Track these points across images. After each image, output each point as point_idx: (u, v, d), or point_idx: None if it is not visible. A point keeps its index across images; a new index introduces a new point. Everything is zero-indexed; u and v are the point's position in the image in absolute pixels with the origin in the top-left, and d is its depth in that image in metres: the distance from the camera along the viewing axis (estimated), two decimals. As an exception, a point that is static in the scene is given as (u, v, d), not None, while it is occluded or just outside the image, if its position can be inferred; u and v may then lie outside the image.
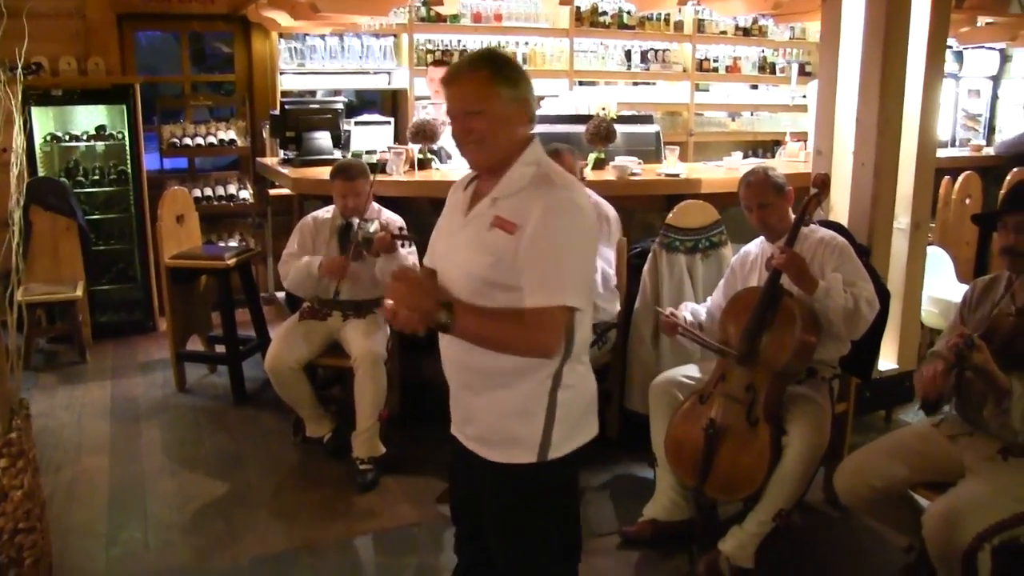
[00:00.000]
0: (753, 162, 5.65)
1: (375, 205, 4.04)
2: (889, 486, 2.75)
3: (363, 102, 7.99)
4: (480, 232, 1.94)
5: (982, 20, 7.14)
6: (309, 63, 6.56)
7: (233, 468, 4.00)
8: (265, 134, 6.11)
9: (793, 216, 3.20)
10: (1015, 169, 5.77)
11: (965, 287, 2.96)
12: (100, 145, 6.07)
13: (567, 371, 2.00)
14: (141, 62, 6.64)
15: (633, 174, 4.59)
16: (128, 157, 6.03)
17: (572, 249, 1.89)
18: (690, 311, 3.42)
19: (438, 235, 2.14)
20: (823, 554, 3.32)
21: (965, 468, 2.61)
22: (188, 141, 6.42)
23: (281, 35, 6.46)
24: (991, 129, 9.01)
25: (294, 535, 3.40)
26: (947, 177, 5.24)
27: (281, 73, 6.51)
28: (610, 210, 3.88)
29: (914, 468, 2.73)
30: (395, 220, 3.99)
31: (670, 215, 3.96)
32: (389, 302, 1.82)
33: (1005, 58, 9.00)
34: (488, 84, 1.90)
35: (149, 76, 6.81)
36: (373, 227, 3.78)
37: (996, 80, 9.08)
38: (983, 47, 8.51)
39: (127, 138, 5.99)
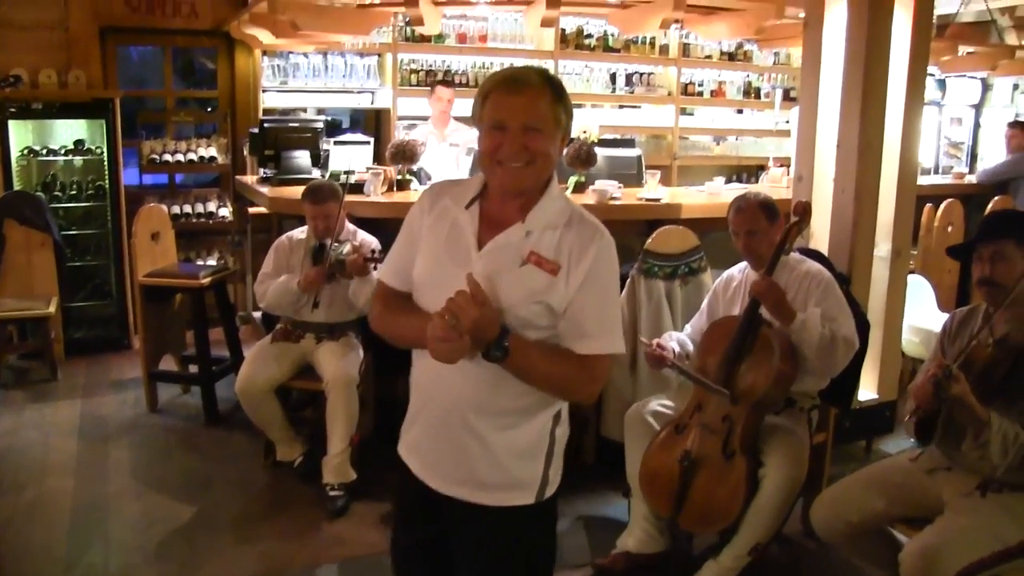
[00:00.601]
0: (735, 187, 5.64)
1: (350, 226, 4.00)
2: (866, 520, 2.71)
3: (354, 122, 7.97)
4: (508, 266, 1.79)
5: (963, 49, 7.19)
6: (292, 81, 6.52)
7: (201, 491, 3.91)
8: (245, 151, 6.06)
9: (775, 243, 3.17)
10: (997, 197, 5.79)
11: (946, 316, 2.93)
12: (78, 159, 6.00)
13: (563, 407, 1.93)
14: (129, 75, 6.59)
15: (613, 198, 4.56)
16: (106, 172, 5.96)
17: (617, 295, 1.87)
18: (677, 341, 3.35)
19: (434, 258, 1.87)
20: (800, 588, 3.27)
21: (944, 503, 2.57)
22: (168, 157, 6.35)
23: (265, 52, 6.42)
24: (973, 157, 9.07)
25: (260, 561, 3.32)
26: (929, 204, 5.24)
27: (264, 91, 6.46)
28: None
29: (892, 502, 2.69)
30: (370, 242, 3.95)
31: (649, 240, 3.92)
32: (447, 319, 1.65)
33: (986, 87, 9.09)
34: (553, 104, 1.79)
35: (131, 90, 6.74)
36: (346, 248, 3.74)
37: (978, 108, 9.16)
38: (965, 76, 8.58)
39: (106, 153, 5.92)
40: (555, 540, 2.04)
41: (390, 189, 4.75)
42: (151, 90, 7.78)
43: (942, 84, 8.76)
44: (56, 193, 5.91)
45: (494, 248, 1.80)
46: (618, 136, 6.32)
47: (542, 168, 1.80)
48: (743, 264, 3.35)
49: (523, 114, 1.76)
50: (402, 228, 1.97)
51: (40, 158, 5.87)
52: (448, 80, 6.23)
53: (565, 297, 1.77)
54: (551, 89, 1.79)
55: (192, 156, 6.41)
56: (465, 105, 6.54)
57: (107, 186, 5.96)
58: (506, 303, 1.76)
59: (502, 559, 1.93)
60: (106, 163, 5.94)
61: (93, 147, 5.95)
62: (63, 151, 5.92)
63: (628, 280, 3.93)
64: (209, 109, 7.51)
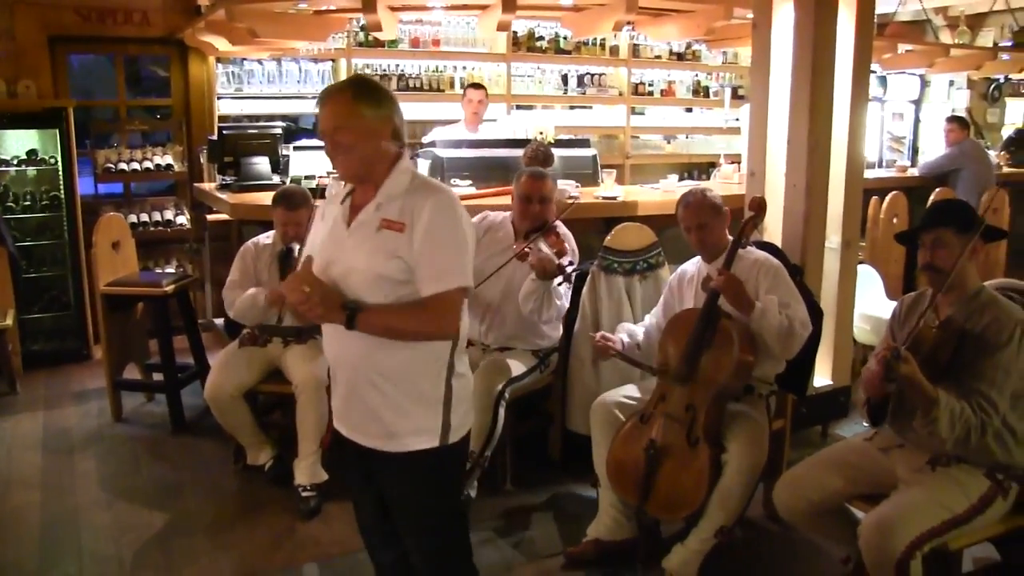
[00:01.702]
0: (689, 184, 5.77)
1: (315, 230, 4.03)
2: (826, 499, 2.83)
3: (308, 128, 7.96)
4: (369, 235, 2.12)
5: (902, 47, 7.43)
6: (247, 87, 6.53)
7: (172, 498, 3.92)
8: (203, 159, 6.04)
9: (730, 237, 3.28)
10: (938, 189, 6.01)
11: (894, 303, 3.07)
12: (31, 170, 5.93)
13: (457, 359, 2.20)
14: (73, 85, 6.51)
15: (571, 197, 4.65)
16: (61, 182, 5.90)
17: (460, 239, 2.11)
18: (627, 332, 3.47)
19: (315, 245, 2.28)
20: (765, 568, 3.39)
21: (897, 479, 2.70)
22: (124, 166, 6.31)
23: (218, 59, 6.40)
24: (915, 151, 9.35)
25: (237, 565, 3.34)
26: (875, 197, 5.42)
27: (219, 97, 6.45)
28: (574, 243, 3.91)
29: (849, 481, 2.81)
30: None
31: (608, 237, 4.01)
32: (296, 289, 2.05)
33: (925, 83, 9.39)
34: (350, 103, 2.10)
35: (83, 100, 6.67)
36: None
37: (918, 104, 9.46)
38: (905, 72, 8.85)
39: (60, 163, 5.86)
40: (460, 487, 2.41)
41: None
42: (103, 99, 7.72)
43: (883, 81, 9.03)
44: (9, 204, 5.83)
45: (357, 225, 2.17)
46: (572, 136, 6.43)
47: (359, 155, 2.12)
48: (696, 258, 3.46)
49: (327, 119, 2.13)
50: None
51: (-9, 169, 5.80)
52: (479, 84, 6.27)
53: (415, 249, 2.08)
54: (351, 90, 2.14)
55: (148, 164, 6.39)
56: (496, 108, 6.69)
57: (62, 196, 5.90)
58: (371, 264, 2.10)
59: (418, 497, 2.24)
60: (60, 173, 5.88)
61: (46, 157, 5.88)
62: (15, 161, 5.84)
63: (588, 276, 4.02)
64: (158, 116, 7.47)
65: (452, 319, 2.12)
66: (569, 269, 3.49)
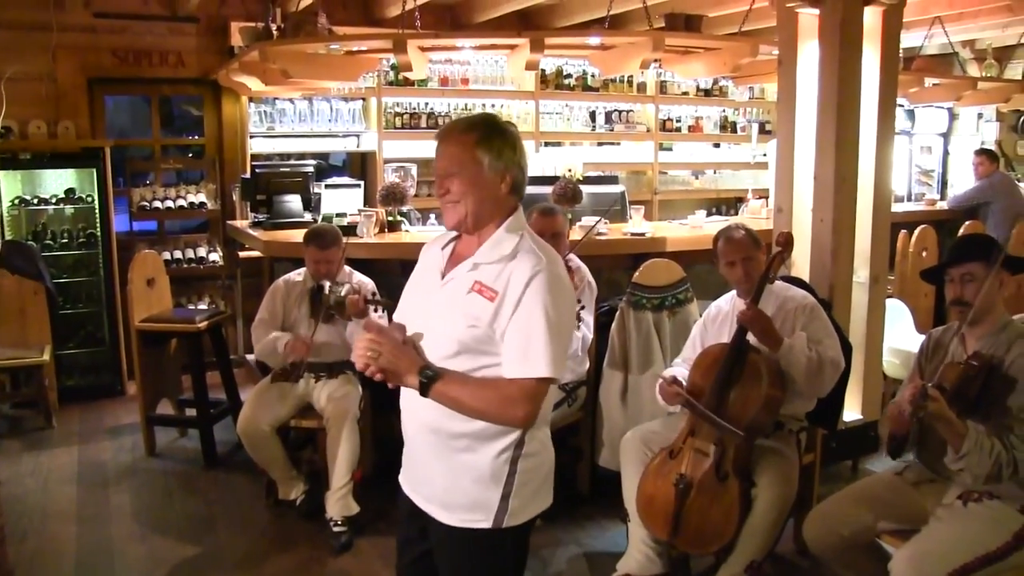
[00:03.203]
0: (717, 219, 5.79)
1: (346, 268, 4.09)
2: (856, 534, 2.81)
3: (339, 166, 8.09)
4: (458, 296, 1.96)
5: (929, 81, 7.44)
6: (279, 126, 6.65)
7: (205, 532, 3.96)
8: (235, 197, 6.16)
9: (758, 272, 3.30)
10: (967, 223, 5.98)
11: (924, 337, 3.06)
12: (69, 208, 6.08)
13: (528, 439, 2.02)
14: (108, 124, 6.68)
15: (600, 234, 4.69)
16: (97, 220, 6.04)
17: (554, 322, 1.90)
18: (683, 377, 3.36)
19: (410, 292, 2.15)
20: (795, 605, 3.36)
21: (928, 514, 2.68)
22: (158, 204, 6.45)
23: (251, 99, 6.54)
24: (944, 184, 9.31)
25: (268, 599, 3.37)
26: (904, 231, 5.41)
27: (251, 136, 6.58)
28: (590, 275, 3.96)
29: (880, 515, 2.80)
30: (366, 283, 4.04)
31: (636, 273, 4.03)
32: (368, 353, 1.89)
33: (953, 116, 9.36)
34: (471, 148, 1.96)
35: (119, 139, 6.84)
36: (344, 290, 3.81)
37: (946, 137, 9.43)
38: (932, 106, 8.84)
39: (96, 201, 6.01)
40: (518, 570, 2.15)
41: (381, 230, 4.86)
42: (137, 139, 7.90)
43: (911, 114, 9.02)
44: (47, 241, 5.98)
45: (450, 280, 2.01)
46: (601, 173, 6.47)
47: (468, 207, 1.97)
48: (730, 294, 3.48)
49: (441, 160, 2.00)
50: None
51: (30, 207, 5.95)
52: (509, 122, 6.32)
53: (502, 324, 1.92)
54: (477, 133, 1.98)
55: (182, 202, 6.51)
56: (525, 146, 6.72)
57: (99, 233, 6.04)
58: (452, 328, 1.94)
59: (465, 574, 2.09)
60: (97, 211, 6.02)
61: (83, 195, 6.03)
62: (54, 200, 6.00)
63: (618, 312, 4.04)
64: (191, 155, 7.61)
65: (524, 408, 1.91)
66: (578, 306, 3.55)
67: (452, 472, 2.01)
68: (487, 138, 1.98)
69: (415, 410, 2.04)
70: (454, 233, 2.10)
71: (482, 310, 1.92)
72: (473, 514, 2.01)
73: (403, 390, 2.05)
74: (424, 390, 1.90)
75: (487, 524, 2.01)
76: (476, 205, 1.97)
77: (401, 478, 2.20)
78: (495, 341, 1.93)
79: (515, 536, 2.06)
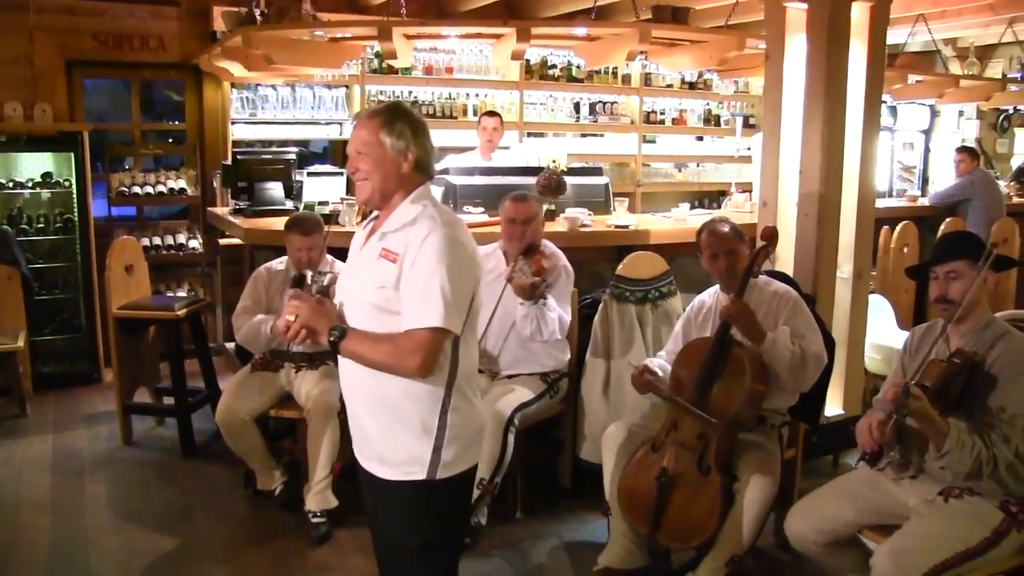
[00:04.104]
0: (700, 213, 5.79)
1: (328, 256, 4.05)
2: (838, 529, 2.82)
3: (320, 154, 8.02)
4: (370, 263, 2.17)
5: (912, 78, 7.47)
6: (261, 113, 6.59)
7: (182, 523, 3.92)
8: (216, 183, 6.09)
9: (743, 266, 3.29)
10: (948, 219, 6.01)
11: (905, 333, 3.07)
12: (46, 192, 5.99)
13: (455, 394, 2.19)
14: (87, 108, 6.58)
15: (583, 225, 4.67)
16: (75, 205, 5.95)
17: (447, 279, 2.07)
18: (658, 367, 3.40)
19: (344, 270, 2.38)
20: (775, 599, 3.37)
21: (910, 510, 2.69)
22: (137, 189, 6.37)
23: (233, 85, 6.47)
24: (925, 180, 9.37)
25: (246, 591, 3.34)
26: (886, 227, 5.42)
27: (233, 122, 6.51)
28: (565, 260, 3.94)
29: (861, 511, 2.80)
30: (349, 271, 4.00)
31: (620, 266, 4.03)
32: (288, 317, 2.13)
33: (935, 113, 9.42)
34: (375, 131, 2.15)
35: (98, 123, 6.74)
36: (327, 279, 3.76)
37: (928, 134, 9.49)
38: (915, 103, 8.89)
39: (74, 185, 5.92)
40: (454, 525, 2.33)
41: (363, 219, 4.80)
42: (118, 123, 7.80)
43: (894, 111, 9.07)
44: (23, 226, 5.89)
45: (365, 251, 2.24)
46: (585, 164, 6.45)
47: (375, 184, 2.17)
48: (713, 288, 3.47)
49: (351, 143, 2.21)
50: None
51: (6, 191, 5.85)
52: (493, 111, 6.28)
53: (400, 282, 2.11)
54: (381, 118, 2.17)
55: (161, 188, 6.44)
56: (509, 136, 6.71)
57: (76, 219, 5.95)
58: (364, 292, 2.16)
59: (397, 526, 2.25)
60: (75, 196, 5.94)
61: (61, 180, 5.94)
62: (30, 184, 5.90)
63: (600, 305, 4.03)
64: (171, 140, 7.53)
65: (419, 358, 2.07)
66: (543, 287, 3.61)
67: (387, 429, 2.18)
68: (389, 122, 2.16)
69: (351, 379, 2.23)
70: (375, 214, 2.30)
71: (388, 272, 2.12)
72: (409, 467, 2.18)
73: (341, 365, 2.26)
74: (334, 347, 2.12)
75: (421, 475, 2.17)
76: (381, 181, 2.17)
77: (355, 450, 2.34)
78: (400, 300, 2.12)
79: (449, 488, 2.22)
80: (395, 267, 2.10)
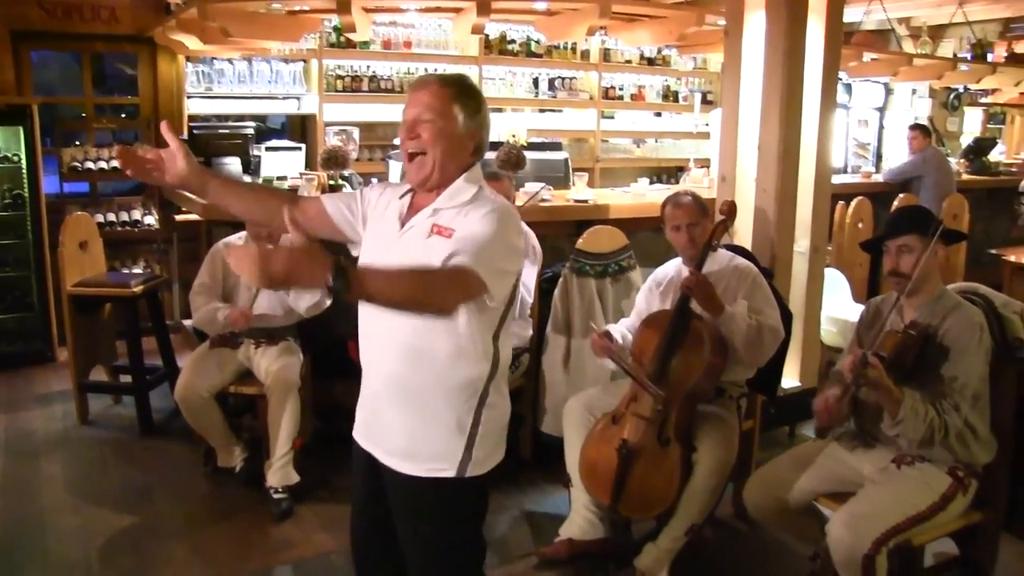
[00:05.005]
0: (660, 188, 5.83)
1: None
2: (794, 497, 2.88)
3: (278, 129, 7.91)
4: (418, 241, 1.99)
5: (868, 56, 7.57)
6: (217, 87, 6.47)
7: (142, 501, 3.88)
8: (172, 158, 5.97)
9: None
10: (901, 195, 6.12)
11: (860, 307, 3.13)
12: (-7, 168, 5.84)
13: (492, 389, 2.06)
14: (34, 81, 6.41)
15: (543, 200, 4.68)
16: (25, 181, 5.80)
17: (498, 244, 1.93)
18: (620, 335, 3.44)
19: (370, 245, 2.14)
20: (734, 566, 3.44)
21: (864, 478, 2.76)
22: (91, 165, 6.24)
23: (188, 58, 6.35)
24: (879, 156, 9.52)
25: (209, 568, 3.32)
26: (841, 202, 5.51)
27: (188, 97, 6.40)
28: (535, 239, 3.95)
29: (817, 480, 2.87)
30: (308, 246, 3.96)
31: (580, 240, 4.04)
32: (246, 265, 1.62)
33: (889, 91, 9.56)
34: (448, 101, 1.97)
35: (47, 97, 6.58)
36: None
37: (882, 111, 9.62)
38: (870, 80, 9.01)
39: (24, 161, 5.77)
40: (479, 520, 2.19)
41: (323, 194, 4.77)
42: (68, 97, 7.62)
43: (849, 88, 9.18)
44: (-30, 203, 5.75)
45: (409, 228, 2.03)
46: (544, 140, 6.46)
47: (439, 158, 1.98)
48: (674, 261, 3.50)
49: (415, 107, 1.98)
50: (360, 189, 2.27)
51: (-49, 167, 5.70)
52: None
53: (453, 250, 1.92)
54: (455, 88, 2.00)
55: (116, 163, 6.29)
56: None
57: (26, 195, 5.80)
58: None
59: (425, 527, 2.10)
60: (25, 171, 5.78)
61: (9, 155, 5.79)
62: (-23, 159, 5.76)
63: (561, 279, 4.05)
64: (123, 115, 7.37)
65: (459, 295, 1.88)
66: None
67: (417, 422, 2.02)
68: (465, 93, 2.01)
69: (379, 362, 2.06)
70: (408, 186, 2.11)
71: (439, 247, 1.93)
72: (437, 463, 2.03)
73: (363, 346, 2.08)
74: (344, 282, 1.67)
75: (451, 473, 2.03)
76: (443, 157, 1.98)
77: (357, 434, 2.19)
78: None
79: (476, 487, 2.09)
80: (448, 241, 1.92)
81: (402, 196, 2.11)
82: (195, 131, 5.24)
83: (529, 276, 3.87)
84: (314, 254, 1.68)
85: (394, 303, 1.86)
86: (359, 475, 2.21)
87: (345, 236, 2.21)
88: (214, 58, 6.40)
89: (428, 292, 1.86)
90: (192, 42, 5.66)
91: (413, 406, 2.02)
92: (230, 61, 6.45)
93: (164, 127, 2.04)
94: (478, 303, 1.94)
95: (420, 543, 2.12)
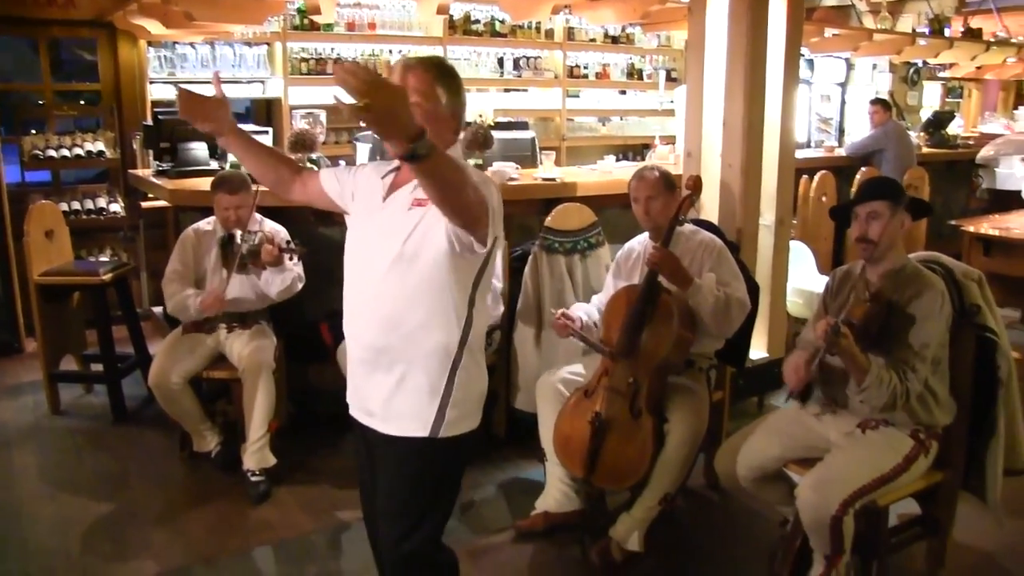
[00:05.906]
0: (626, 165, 5.87)
1: (257, 215, 4.00)
2: (764, 465, 2.96)
3: (243, 113, 7.83)
4: (398, 214, 2.10)
5: (829, 31, 7.65)
6: (180, 72, 6.41)
7: (118, 489, 3.88)
8: (136, 145, 5.92)
9: (673, 215, 3.37)
10: (863, 169, 6.22)
11: (825, 278, 3.20)
12: (-48, 158, 5.75)
13: (466, 354, 2.16)
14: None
15: (511, 179, 4.71)
16: (-15, 170, 5.73)
17: (490, 190, 2.03)
18: (585, 312, 3.50)
19: (354, 220, 2.27)
20: (707, 534, 3.52)
21: (830, 443, 2.84)
22: (52, 153, 6.16)
23: (150, 43, 6.28)
24: (841, 131, 9.65)
25: (189, 551, 3.33)
26: (805, 176, 5.59)
27: (151, 82, 6.33)
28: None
29: (786, 447, 2.94)
30: (279, 231, 3.97)
31: (548, 218, 4.08)
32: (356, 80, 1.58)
33: (850, 66, 9.68)
34: (432, 83, 2.06)
35: (4, 83, 6.47)
36: (257, 239, 3.75)
37: (844, 86, 9.75)
38: (831, 56, 9.12)
39: (-17, 150, 5.71)
40: (450, 486, 2.28)
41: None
42: (25, 83, 7.50)
43: (811, 64, 9.28)
44: (-71, 193, 5.65)
45: (391, 202, 2.15)
46: (511, 119, 6.47)
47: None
48: (642, 236, 3.55)
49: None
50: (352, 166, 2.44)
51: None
52: None
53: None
54: (435, 70, 2.08)
55: (78, 151, 6.24)
56: None
57: (-14, 184, 5.73)
58: (390, 245, 2.08)
59: (397, 483, 2.20)
60: (-16, 161, 5.71)
61: (-32, 144, 5.72)
62: (-65, 149, 5.67)
63: (530, 257, 4.08)
64: (82, 102, 7.27)
65: (478, 196, 1.90)
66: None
67: (394, 384, 2.13)
68: (446, 75, 2.10)
69: (360, 334, 2.17)
70: (391, 166, 2.23)
71: (418, 216, 2.06)
72: (411, 422, 2.14)
73: (347, 321, 2.20)
74: (427, 149, 1.68)
75: (424, 433, 2.13)
76: (431, 136, 1.90)
77: (351, 407, 2.29)
78: (428, 243, 2.04)
79: (448, 449, 2.18)
80: (426, 209, 2.02)
81: (386, 174, 2.23)
82: (160, 116, 5.17)
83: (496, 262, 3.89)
84: (404, 96, 1.70)
85: (449, 174, 1.80)
86: (359, 447, 2.33)
87: (341, 208, 2.35)
88: (176, 43, 6.32)
89: (469, 180, 1.87)
90: (154, 26, 5.58)
91: (390, 369, 2.14)
92: (192, 45, 6.39)
93: (214, 78, 2.34)
94: (463, 244, 2.00)
95: (391, 500, 2.21)
